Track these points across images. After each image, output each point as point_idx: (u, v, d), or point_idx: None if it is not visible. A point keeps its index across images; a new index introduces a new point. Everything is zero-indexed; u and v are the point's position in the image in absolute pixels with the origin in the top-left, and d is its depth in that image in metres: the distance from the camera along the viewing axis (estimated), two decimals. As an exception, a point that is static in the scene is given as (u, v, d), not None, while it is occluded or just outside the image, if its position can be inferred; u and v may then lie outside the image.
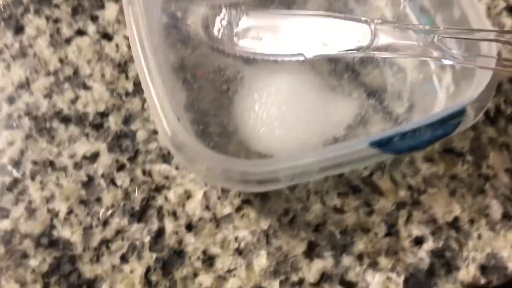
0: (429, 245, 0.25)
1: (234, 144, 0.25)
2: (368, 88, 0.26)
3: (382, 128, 0.25)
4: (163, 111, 0.20)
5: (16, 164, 0.25)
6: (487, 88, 0.22)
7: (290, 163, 0.20)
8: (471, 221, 0.25)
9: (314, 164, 0.20)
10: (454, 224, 0.25)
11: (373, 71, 0.27)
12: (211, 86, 0.26)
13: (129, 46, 0.28)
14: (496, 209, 0.26)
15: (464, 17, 0.24)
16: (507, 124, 0.28)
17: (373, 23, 0.24)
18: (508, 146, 0.27)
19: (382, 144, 0.20)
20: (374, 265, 0.24)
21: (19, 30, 0.28)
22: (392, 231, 0.25)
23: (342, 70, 0.27)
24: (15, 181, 0.25)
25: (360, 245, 0.24)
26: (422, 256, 0.24)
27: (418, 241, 0.25)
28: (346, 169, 0.20)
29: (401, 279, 0.24)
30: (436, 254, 0.25)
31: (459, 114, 0.21)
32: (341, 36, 0.25)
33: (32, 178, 0.25)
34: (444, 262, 0.24)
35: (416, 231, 0.25)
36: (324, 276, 0.24)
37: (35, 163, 0.25)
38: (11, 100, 0.26)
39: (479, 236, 0.25)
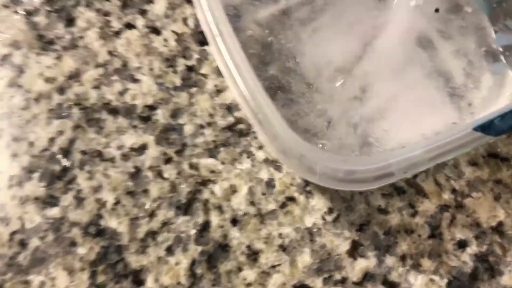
0: (472, 249, 0.25)
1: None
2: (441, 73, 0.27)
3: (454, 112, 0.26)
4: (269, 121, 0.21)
5: (66, 153, 0.26)
6: None
7: (402, 156, 0.20)
8: (516, 227, 0.25)
9: (425, 154, 0.21)
10: (498, 229, 0.25)
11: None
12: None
13: (177, 41, 0.28)
14: (540, 216, 0.26)
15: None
16: (552, 131, 0.28)
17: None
18: (553, 153, 0.27)
19: (485, 128, 0.21)
20: (417, 267, 0.24)
21: (70, 22, 0.28)
22: (435, 233, 0.25)
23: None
24: (64, 170, 0.25)
25: (403, 246, 0.25)
26: (466, 259, 0.24)
27: (462, 245, 0.25)
28: (452, 156, 0.21)
29: (444, 282, 0.24)
30: (480, 258, 0.25)
31: None
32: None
33: (81, 167, 0.25)
34: (488, 266, 0.24)
35: (459, 234, 0.25)
36: (367, 276, 0.24)
37: (84, 153, 0.26)
38: (61, 90, 0.27)
39: (523, 242, 0.25)
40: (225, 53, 0.22)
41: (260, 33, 0.27)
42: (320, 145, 0.25)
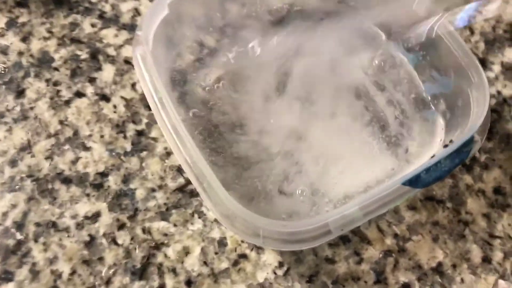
0: (415, 291, 0.26)
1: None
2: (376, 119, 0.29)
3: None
4: (211, 188, 0.22)
5: (19, 226, 0.26)
6: (487, 114, 0.25)
7: (338, 215, 0.22)
8: (454, 266, 0.27)
9: (359, 211, 0.22)
10: (438, 269, 0.27)
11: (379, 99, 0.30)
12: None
13: (126, 106, 0.29)
14: (476, 253, 0.27)
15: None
16: (482, 171, 0.30)
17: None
18: (484, 192, 0.29)
19: (412, 182, 0.23)
20: (365, 313, 0.26)
21: (20, 93, 0.29)
22: (380, 278, 0.26)
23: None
24: (19, 244, 0.26)
25: (351, 293, 0.26)
26: (410, 302, 0.26)
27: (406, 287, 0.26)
28: (385, 210, 0.23)
29: (391, 325, 0.25)
30: (423, 299, 0.26)
31: (469, 142, 0.24)
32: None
33: (35, 240, 0.26)
34: (430, 307, 0.26)
35: (403, 277, 0.27)
36: (319, 325, 0.25)
37: (38, 224, 0.26)
38: (13, 163, 0.27)
39: (462, 280, 0.27)
40: (167, 125, 0.23)
41: (205, 97, 0.28)
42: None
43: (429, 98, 0.30)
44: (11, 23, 0.32)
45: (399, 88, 0.30)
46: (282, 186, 0.27)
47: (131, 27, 0.32)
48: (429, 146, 0.28)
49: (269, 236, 0.22)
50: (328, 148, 0.28)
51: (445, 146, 0.27)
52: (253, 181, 0.26)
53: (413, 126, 0.29)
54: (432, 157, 0.26)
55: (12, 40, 0.31)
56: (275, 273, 0.26)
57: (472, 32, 0.35)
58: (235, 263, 0.26)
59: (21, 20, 0.32)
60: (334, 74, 0.30)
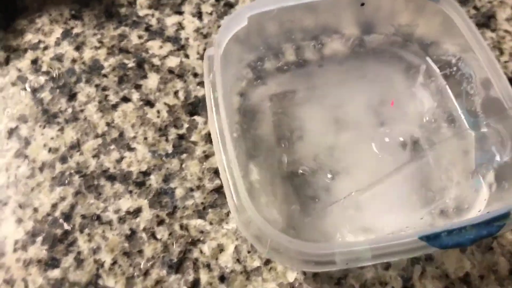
0: (442, 299, 0.27)
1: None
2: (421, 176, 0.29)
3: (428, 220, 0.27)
4: (234, 185, 0.22)
5: (67, 217, 0.28)
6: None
7: (345, 248, 0.21)
8: (481, 277, 0.27)
9: (367, 251, 0.21)
10: (466, 279, 0.27)
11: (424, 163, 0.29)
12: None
13: (168, 112, 0.31)
14: (503, 266, 0.28)
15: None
16: None
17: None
18: (513, 207, 0.30)
19: (430, 239, 0.21)
20: (392, 317, 0.26)
21: (72, 97, 0.32)
22: (407, 285, 0.27)
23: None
24: (66, 233, 0.28)
25: (378, 298, 0.27)
26: (437, 309, 0.26)
27: (432, 295, 0.27)
28: (396, 259, 0.22)
29: (417, 331, 0.26)
30: (450, 307, 0.27)
31: (504, 217, 0.22)
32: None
33: (81, 230, 0.28)
34: (457, 315, 0.26)
35: (430, 285, 0.27)
36: (346, 327, 0.26)
37: (83, 217, 0.28)
38: (63, 159, 0.30)
39: (489, 291, 0.27)
40: (216, 125, 0.24)
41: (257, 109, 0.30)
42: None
43: (480, 166, 0.28)
44: (66, 34, 0.34)
45: (451, 152, 0.29)
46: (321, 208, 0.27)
47: (175, 40, 0.34)
48: (466, 213, 0.27)
49: (275, 248, 0.22)
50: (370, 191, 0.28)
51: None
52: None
53: (456, 192, 0.28)
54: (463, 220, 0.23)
55: (66, 48, 0.34)
56: (304, 274, 0.27)
57: None
58: (267, 262, 0.27)
59: (75, 31, 0.35)
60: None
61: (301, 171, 0.28)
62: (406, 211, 0.28)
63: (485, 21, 0.36)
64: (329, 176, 0.28)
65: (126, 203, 0.28)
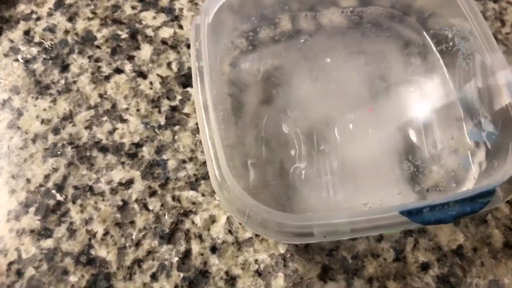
0: (434, 271, 0.27)
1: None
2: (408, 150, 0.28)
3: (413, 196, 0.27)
4: (215, 154, 0.22)
5: (60, 188, 0.28)
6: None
7: (324, 221, 0.21)
8: (474, 249, 0.27)
9: (347, 224, 0.21)
10: (458, 251, 0.27)
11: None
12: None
13: (161, 83, 0.31)
14: (497, 239, 0.28)
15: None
16: (508, 159, 0.30)
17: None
18: (509, 180, 0.29)
19: (411, 214, 0.21)
20: (383, 289, 0.26)
21: (64, 68, 0.31)
22: (400, 256, 0.27)
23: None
24: (58, 204, 0.28)
25: (370, 269, 0.27)
26: (428, 281, 0.26)
27: (425, 267, 0.27)
28: (375, 233, 0.21)
29: (408, 302, 0.26)
30: (442, 279, 0.26)
31: (488, 193, 0.22)
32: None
33: (73, 201, 0.28)
34: (449, 287, 0.26)
35: (422, 257, 0.27)
36: (337, 298, 0.26)
37: (76, 188, 0.28)
38: (56, 130, 0.29)
39: (482, 264, 0.27)
40: (200, 97, 0.24)
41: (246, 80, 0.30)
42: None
43: (470, 143, 0.28)
44: (59, 4, 0.34)
45: (442, 124, 0.29)
46: (299, 176, 0.27)
47: (168, 10, 0.34)
48: (453, 191, 0.27)
49: (254, 217, 0.21)
50: (354, 157, 0.28)
51: None
52: (274, 163, 0.27)
53: (443, 167, 0.28)
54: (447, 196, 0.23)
55: (59, 19, 0.33)
56: (296, 245, 0.27)
57: None
58: (259, 234, 0.27)
59: (68, 1, 0.34)
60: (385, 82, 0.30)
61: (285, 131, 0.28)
62: (389, 187, 0.27)
63: (488, -9, 0.35)
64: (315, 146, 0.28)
65: (118, 175, 0.28)
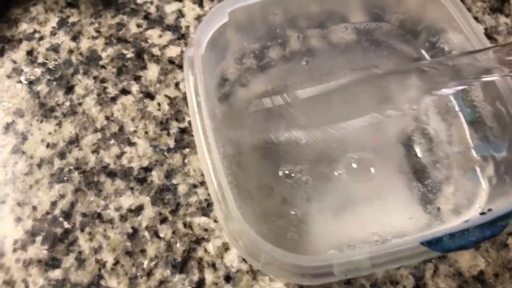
0: (455, 297, 0.26)
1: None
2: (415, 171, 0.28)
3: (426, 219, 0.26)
4: (225, 201, 0.21)
5: (67, 216, 0.27)
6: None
7: (343, 259, 0.21)
8: (496, 275, 0.26)
9: (367, 260, 0.20)
10: (480, 277, 0.26)
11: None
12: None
13: (170, 104, 0.30)
14: (519, 263, 0.27)
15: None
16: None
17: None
18: (529, 201, 0.29)
19: (432, 244, 0.21)
20: (403, 317, 0.25)
21: (69, 89, 0.30)
22: (419, 284, 0.26)
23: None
24: (66, 232, 0.27)
25: (389, 297, 0.26)
26: (449, 308, 0.26)
27: (445, 294, 0.26)
28: (397, 265, 0.21)
29: (429, 331, 0.25)
30: (463, 306, 0.26)
31: (507, 216, 0.21)
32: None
33: (82, 229, 0.27)
34: (471, 314, 0.26)
35: (443, 284, 0.26)
36: (356, 327, 0.25)
37: (84, 215, 0.27)
38: (62, 155, 0.29)
39: (504, 289, 0.26)
40: (199, 131, 0.23)
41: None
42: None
43: (478, 158, 0.27)
44: (62, 23, 0.33)
45: (446, 139, 0.28)
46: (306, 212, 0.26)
47: (175, 28, 0.33)
48: (466, 209, 0.26)
49: (270, 262, 0.21)
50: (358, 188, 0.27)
51: (482, 213, 0.24)
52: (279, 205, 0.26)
53: (453, 184, 0.27)
54: (465, 221, 0.23)
55: (63, 39, 0.32)
56: (313, 273, 0.26)
57: (517, 38, 0.34)
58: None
59: (72, 20, 0.33)
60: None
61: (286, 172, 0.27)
62: (399, 211, 0.26)
63: (499, 5, 0.34)
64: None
65: (128, 200, 0.28)
